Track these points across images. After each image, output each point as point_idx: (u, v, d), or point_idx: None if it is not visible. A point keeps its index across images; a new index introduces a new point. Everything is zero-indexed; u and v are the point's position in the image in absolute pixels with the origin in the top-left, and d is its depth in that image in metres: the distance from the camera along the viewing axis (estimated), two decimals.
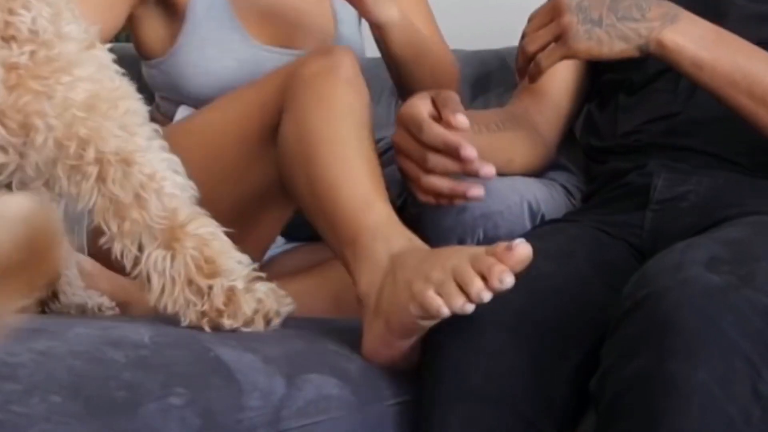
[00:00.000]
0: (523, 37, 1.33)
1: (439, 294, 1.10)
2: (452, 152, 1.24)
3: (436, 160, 1.26)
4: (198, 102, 1.64)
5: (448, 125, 1.24)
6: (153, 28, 1.65)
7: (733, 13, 1.44)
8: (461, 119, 1.24)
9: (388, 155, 1.60)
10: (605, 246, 1.34)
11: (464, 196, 1.28)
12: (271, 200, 1.48)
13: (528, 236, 1.38)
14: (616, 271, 1.27)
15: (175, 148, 1.31)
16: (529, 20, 1.34)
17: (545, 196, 1.48)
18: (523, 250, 1.09)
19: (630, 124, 1.47)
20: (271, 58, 1.65)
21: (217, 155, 1.45)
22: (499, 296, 1.09)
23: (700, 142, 1.39)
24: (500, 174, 1.43)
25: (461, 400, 1.10)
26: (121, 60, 1.82)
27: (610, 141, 1.50)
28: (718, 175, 1.37)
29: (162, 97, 1.73)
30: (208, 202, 1.40)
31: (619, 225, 1.37)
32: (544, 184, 1.50)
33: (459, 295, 1.09)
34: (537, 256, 1.28)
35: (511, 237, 1.40)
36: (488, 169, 1.25)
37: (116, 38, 2.51)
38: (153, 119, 1.63)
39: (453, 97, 1.28)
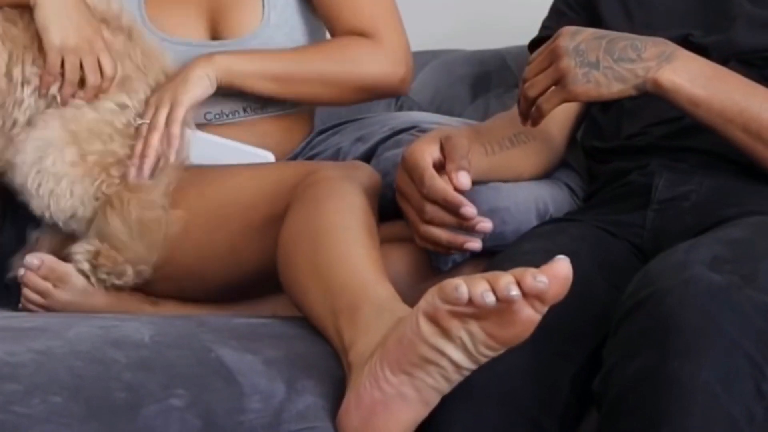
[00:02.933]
0: (523, 81, 1.34)
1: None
2: (451, 209, 1.25)
3: (434, 212, 1.27)
4: None
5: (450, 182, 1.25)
6: None
7: (742, 17, 1.44)
8: (463, 180, 1.25)
9: (391, 141, 1.59)
10: (608, 245, 1.34)
11: (461, 248, 1.29)
12: (253, 287, 1.49)
13: (530, 235, 1.39)
14: (618, 270, 1.27)
15: (182, 205, 1.46)
16: (528, 63, 1.35)
17: (552, 196, 1.48)
18: (563, 264, 1.01)
19: (634, 126, 1.47)
20: (184, 51, 1.62)
21: (221, 225, 1.47)
22: None
23: (702, 143, 1.39)
24: None
25: (465, 399, 1.10)
26: None
27: (613, 142, 1.50)
28: (719, 175, 1.38)
29: None
30: (197, 269, 1.46)
31: (621, 224, 1.37)
32: (550, 184, 1.51)
33: (484, 282, 1.01)
34: (540, 256, 1.29)
35: (517, 233, 1.41)
36: (486, 225, 1.28)
37: None
38: None
39: (460, 146, 1.28)
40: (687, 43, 1.45)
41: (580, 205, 1.53)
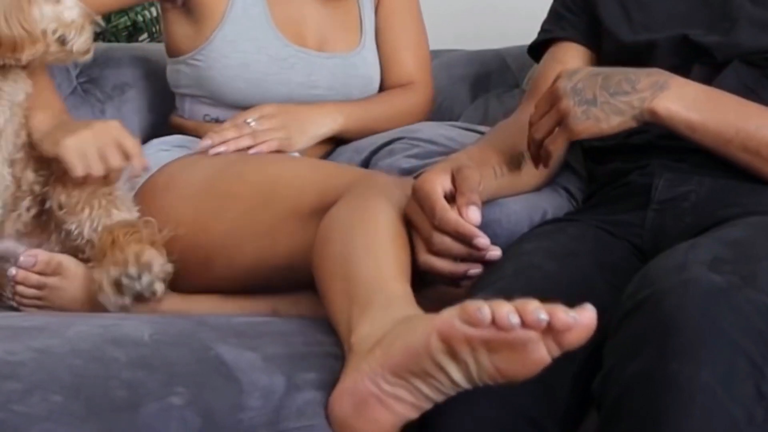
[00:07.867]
0: (530, 125, 1.37)
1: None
2: (464, 240, 1.26)
3: (442, 242, 1.27)
4: (221, 96, 1.71)
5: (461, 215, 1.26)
6: (182, 26, 1.73)
7: (743, 18, 1.45)
8: (473, 216, 1.25)
9: (384, 150, 1.63)
10: (607, 245, 1.34)
11: (464, 277, 1.29)
12: (277, 281, 1.49)
13: (530, 234, 1.39)
14: (618, 270, 1.27)
15: (238, 176, 1.50)
16: (535, 107, 1.37)
17: (551, 203, 1.48)
18: (590, 314, 1.02)
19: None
20: (302, 58, 1.74)
21: (267, 203, 1.48)
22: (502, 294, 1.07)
23: None
24: None
25: (465, 399, 1.10)
26: (147, 60, 1.90)
27: (612, 141, 1.50)
28: (719, 175, 1.38)
29: (185, 95, 1.77)
30: (230, 244, 1.48)
31: (621, 224, 1.38)
32: (548, 191, 1.51)
33: (508, 304, 1.01)
34: (539, 255, 1.29)
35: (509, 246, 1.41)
36: (495, 253, 1.28)
37: (139, 38, 2.59)
38: (173, 124, 1.76)
39: (471, 179, 1.28)
40: (686, 42, 1.46)
41: (578, 208, 1.53)
